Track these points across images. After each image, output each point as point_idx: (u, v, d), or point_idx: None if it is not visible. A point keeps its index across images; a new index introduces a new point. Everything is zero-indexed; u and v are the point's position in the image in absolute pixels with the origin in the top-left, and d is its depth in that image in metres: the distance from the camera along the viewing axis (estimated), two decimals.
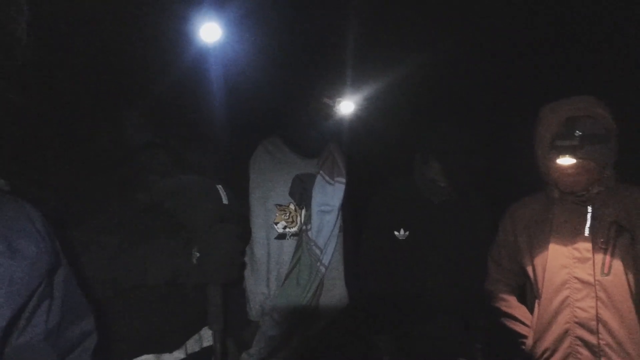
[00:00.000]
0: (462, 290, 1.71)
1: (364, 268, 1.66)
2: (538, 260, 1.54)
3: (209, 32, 1.30)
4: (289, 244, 1.50)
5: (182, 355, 1.18)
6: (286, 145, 1.56)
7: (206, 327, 1.19)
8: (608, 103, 1.49)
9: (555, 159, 1.42)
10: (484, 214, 1.77)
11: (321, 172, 1.53)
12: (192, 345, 1.18)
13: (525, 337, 1.53)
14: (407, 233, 1.66)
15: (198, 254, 0.96)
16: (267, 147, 1.57)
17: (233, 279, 1.06)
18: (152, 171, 1.02)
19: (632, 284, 1.36)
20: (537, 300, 1.52)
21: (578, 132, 1.39)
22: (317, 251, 1.44)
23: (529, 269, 1.57)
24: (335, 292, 1.47)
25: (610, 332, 1.35)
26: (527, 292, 1.64)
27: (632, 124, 1.58)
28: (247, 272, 1.50)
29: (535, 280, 1.54)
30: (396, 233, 1.67)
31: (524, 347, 1.53)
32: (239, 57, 1.43)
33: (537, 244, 1.55)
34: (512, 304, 1.63)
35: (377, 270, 1.68)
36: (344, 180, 1.54)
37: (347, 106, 1.56)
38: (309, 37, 1.53)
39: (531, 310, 1.57)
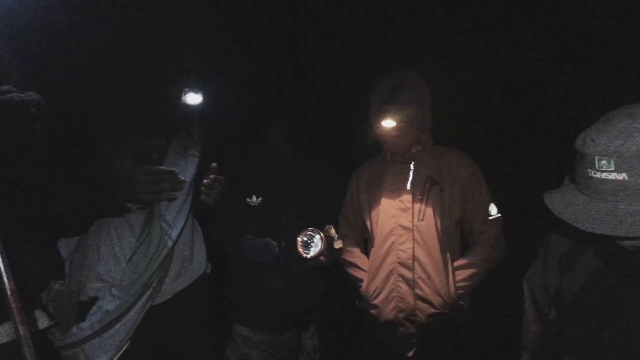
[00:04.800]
0: None
1: (213, 235, 1.69)
2: (373, 213, 1.76)
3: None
4: (136, 217, 1.46)
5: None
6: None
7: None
8: (426, 75, 1.74)
9: (381, 121, 1.61)
10: (333, 178, 1.93)
11: (174, 144, 1.50)
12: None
13: (362, 280, 1.76)
14: (259, 199, 1.75)
15: None
16: None
17: None
18: None
19: (439, 226, 1.65)
20: (372, 248, 1.75)
21: (398, 98, 1.60)
22: (165, 225, 1.41)
23: (368, 222, 1.80)
24: (186, 265, 1.47)
25: (422, 267, 1.63)
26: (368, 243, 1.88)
27: (448, 96, 1.87)
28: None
29: (372, 230, 1.77)
30: (248, 200, 1.74)
31: (360, 289, 1.76)
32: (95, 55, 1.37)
33: (374, 199, 1.77)
34: (355, 255, 1.84)
35: (227, 235, 1.73)
36: (197, 153, 1.53)
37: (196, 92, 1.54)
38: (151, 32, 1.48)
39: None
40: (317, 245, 1.55)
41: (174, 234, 1.37)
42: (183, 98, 1.47)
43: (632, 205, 0.79)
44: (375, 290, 1.70)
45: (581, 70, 2.24)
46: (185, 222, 1.43)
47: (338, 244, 1.62)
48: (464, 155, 1.75)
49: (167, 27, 1.45)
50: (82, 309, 1.25)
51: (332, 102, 2.11)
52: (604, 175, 0.81)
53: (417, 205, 1.67)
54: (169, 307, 1.42)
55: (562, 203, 0.89)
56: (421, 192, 1.67)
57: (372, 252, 1.75)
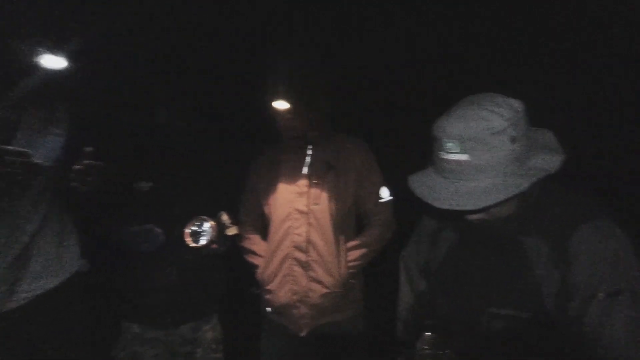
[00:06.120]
0: None
1: (97, 227, 1.56)
2: (271, 198, 1.75)
3: None
4: None
5: None
6: None
7: None
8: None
9: (273, 102, 1.60)
10: (231, 162, 1.88)
11: (27, 119, 1.31)
12: None
13: (258, 266, 1.75)
14: (149, 185, 1.63)
15: None
16: None
17: None
18: None
19: (333, 210, 1.69)
20: (269, 233, 1.75)
21: (292, 81, 1.59)
22: (18, 219, 1.24)
23: (266, 207, 1.78)
24: (51, 264, 1.31)
25: (316, 249, 1.66)
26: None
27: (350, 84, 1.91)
28: None
29: (269, 215, 1.76)
30: (137, 186, 1.62)
31: (256, 274, 1.75)
32: None
33: (272, 184, 1.76)
34: (254, 241, 1.82)
35: (109, 225, 1.60)
36: (61, 132, 1.36)
37: None
38: None
39: None
40: (207, 233, 1.50)
41: (30, 228, 1.21)
42: (38, 59, 1.27)
43: (474, 183, 0.87)
44: (270, 275, 1.70)
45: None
46: (46, 215, 1.27)
47: (232, 231, 1.58)
48: (360, 142, 1.81)
49: None
50: None
51: (230, 82, 2.04)
52: (451, 156, 0.89)
53: (313, 190, 1.69)
54: (34, 310, 1.26)
55: (420, 183, 0.96)
56: (317, 177, 1.70)
57: (269, 237, 1.74)
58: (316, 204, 1.68)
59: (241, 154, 1.92)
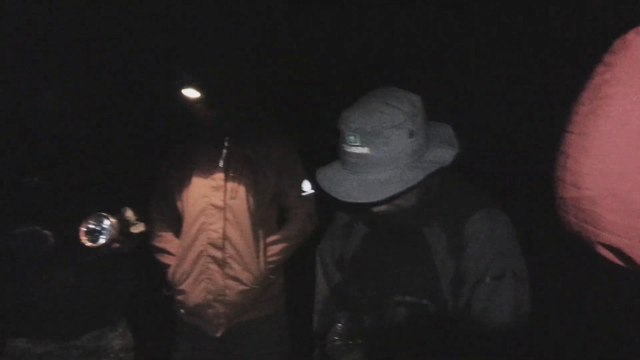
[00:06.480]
0: None
1: None
2: (184, 193, 1.64)
3: None
4: None
5: None
6: None
7: None
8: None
9: (183, 90, 1.49)
10: (135, 153, 1.72)
11: None
12: None
13: (170, 266, 1.64)
14: (36, 179, 1.44)
15: None
16: None
17: None
18: None
19: (251, 204, 1.63)
20: (182, 230, 1.64)
21: (200, 66, 1.50)
22: None
23: (179, 203, 1.67)
24: None
25: (233, 246, 1.59)
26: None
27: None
28: None
29: (183, 211, 1.65)
30: (22, 180, 1.42)
31: (167, 274, 1.63)
32: None
33: (185, 178, 1.64)
34: (165, 239, 1.70)
35: None
36: None
37: None
38: None
39: None
40: (106, 232, 1.35)
41: None
42: None
43: (374, 175, 0.88)
44: (183, 275, 1.60)
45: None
46: None
47: (137, 228, 1.45)
48: (281, 134, 1.76)
49: None
50: None
51: (136, 67, 1.87)
52: (353, 149, 0.89)
53: (230, 184, 1.61)
54: None
55: (326, 176, 0.95)
56: (234, 170, 1.62)
57: (182, 234, 1.63)
58: (233, 198, 1.60)
59: (151, 145, 1.78)
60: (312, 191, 1.80)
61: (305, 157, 1.78)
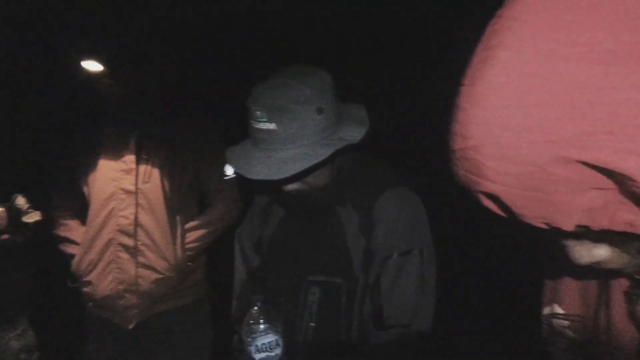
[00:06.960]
0: None
1: None
2: (90, 177, 1.50)
3: None
4: None
5: None
6: None
7: None
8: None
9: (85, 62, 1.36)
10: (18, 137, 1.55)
11: None
12: None
13: (74, 255, 1.51)
14: None
15: None
16: None
17: None
18: None
19: (167, 189, 1.54)
20: (88, 217, 1.51)
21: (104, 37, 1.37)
22: None
23: (85, 188, 1.53)
24: None
25: (146, 233, 1.50)
26: None
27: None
28: None
29: (89, 197, 1.51)
30: None
31: (72, 265, 1.50)
32: None
33: (91, 161, 1.50)
34: (70, 228, 1.55)
35: None
36: None
37: None
38: None
39: None
40: None
41: None
42: None
43: (282, 153, 0.86)
44: (89, 265, 1.47)
45: None
46: None
47: (32, 217, 1.31)
48: (201, 114, 1.67)
49: None
50: None
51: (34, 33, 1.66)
52: (260, 125, 0.86)
53: (142, 167, 1.51)
54: None
55: (236, 154, 0.92)
56: (147, 152, 1.51)
57: (88, 221, 1.50)
58: (146, 182, 1.50)
59: (51, 125, 1.60)
60: (235, 175, 1.74)
61: (226, 139, 1.71)
